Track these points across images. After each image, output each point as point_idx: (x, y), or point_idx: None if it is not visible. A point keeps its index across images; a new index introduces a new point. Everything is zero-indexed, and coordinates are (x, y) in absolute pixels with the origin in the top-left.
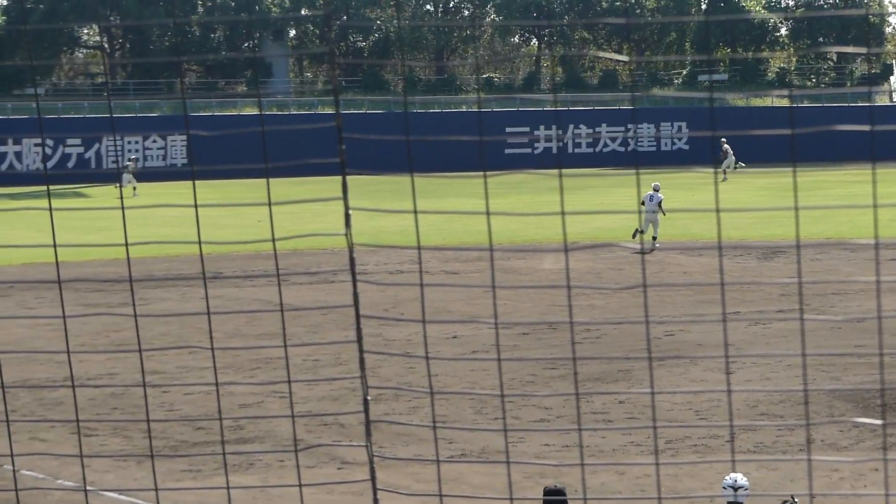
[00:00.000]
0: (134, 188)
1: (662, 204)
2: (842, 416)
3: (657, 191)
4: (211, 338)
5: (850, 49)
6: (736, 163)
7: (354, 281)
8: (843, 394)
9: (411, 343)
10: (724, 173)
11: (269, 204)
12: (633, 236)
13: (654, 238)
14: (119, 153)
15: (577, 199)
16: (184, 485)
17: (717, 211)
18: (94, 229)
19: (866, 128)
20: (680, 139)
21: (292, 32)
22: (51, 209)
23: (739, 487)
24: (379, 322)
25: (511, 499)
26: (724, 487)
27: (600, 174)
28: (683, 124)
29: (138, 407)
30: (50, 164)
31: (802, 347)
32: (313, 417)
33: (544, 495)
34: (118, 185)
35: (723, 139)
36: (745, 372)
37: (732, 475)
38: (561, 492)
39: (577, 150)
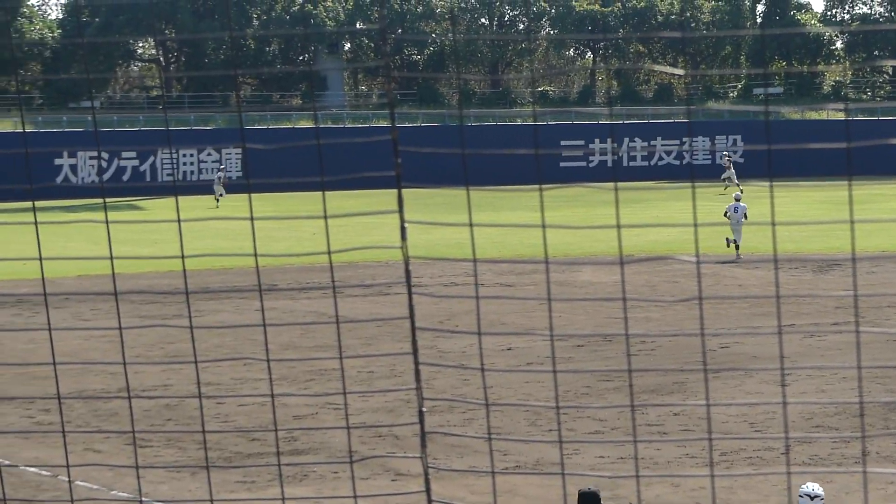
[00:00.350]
0: (217, 198)
1: (747, 213)
2: None
3: (738, 200)
4: (266, 349)
5: None
6: (737, 181)
7: (410, 293)
8: None
9: (466, 355)
10: (726, 186)
11: (325, 217)
12: (728, 246)
13: (737, 247)
14: (175, 166)
15: (632, 213)
16: (238, 496)
17: (773, 224)
18: (149, 242)
19: None
20: (735, 152)
21: (347, 46)
22: (107, 221)
23: (816, 497)
24: (434, 334)
25: None
26: (801, 496)
27: (655, 187)
28: (738, 137)
29: (193, 418)
30: (105, 177)
31: (858, 360)
32: (368, 429)
33: (579, 499)
34: (218, 196)
35: (725, 153)
36: (800, 384)
37: (809, 484)
38: (596, 496)
39: (631, 164)
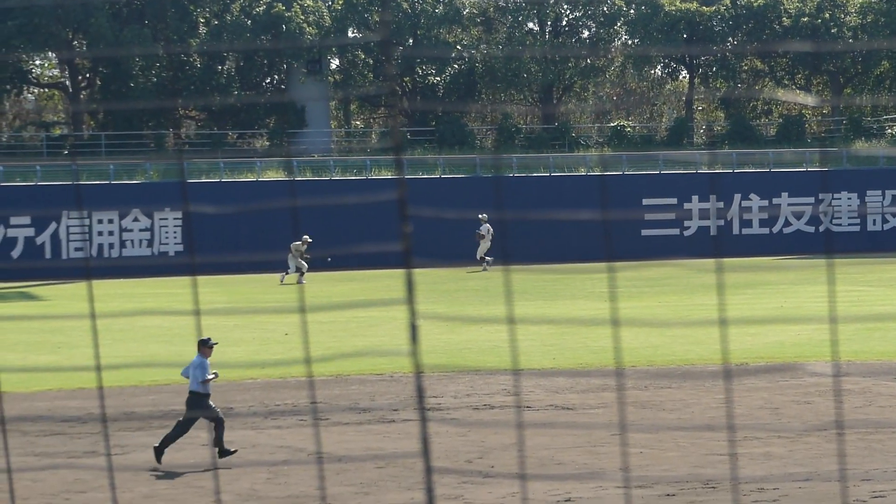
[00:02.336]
0: (301, 273)
1: None
2: None
3: None
4: (219, 502)
5: None
6: None
7: (423, 419)
8: None
9: None
10: None
11: (303, 310)
12: None
13: None
14: (86, 236)
15: (746, 302)
16: None
17: None
18: (50, 347)
19: None
20: (895, 215)
21: (335, 63)
22: None
23: None
24: (459, 478)
25: None
26: None
27: (779, 265)
28: None
29: None
30: None
31: None
32: None
33: None
34: (284, 273)
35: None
36: None
37: None
38: None
39: (745, 231)
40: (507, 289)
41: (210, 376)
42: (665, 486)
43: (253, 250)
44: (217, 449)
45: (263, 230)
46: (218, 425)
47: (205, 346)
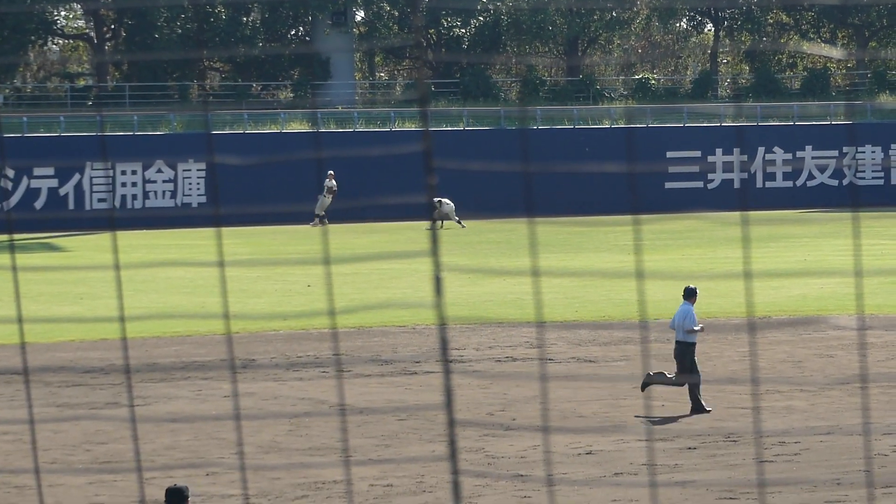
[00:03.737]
0: (460, 223)
1: None
2: None
3: None
4: (240, 452)
5: None
6: None
7: (447, 372)
8: None
9: (527, 462)
10: None
11: (327, 262)
12: None
13: None
14: (110, 187)
15: (769, 255)
16: None
17: None
18: (73, 297)
19: None
20: None
21: (360, 15)
22: (14, 268)
23: None
24: (481, 431)
25: None
26: None
27: (803, 218)
28: None
29: None
30: (10, 204)
31: None
32: None
33: (166, 496)
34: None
35: None
36: None
37: None
38: (181, 491)
39: (769, 184)
40: (531, 241)
41: (697, 328)
42: (686, 439)
43: (277, 202)
44: (693, 404)
45: (287, 182)
46: (693, 387)
47: (692, 295)
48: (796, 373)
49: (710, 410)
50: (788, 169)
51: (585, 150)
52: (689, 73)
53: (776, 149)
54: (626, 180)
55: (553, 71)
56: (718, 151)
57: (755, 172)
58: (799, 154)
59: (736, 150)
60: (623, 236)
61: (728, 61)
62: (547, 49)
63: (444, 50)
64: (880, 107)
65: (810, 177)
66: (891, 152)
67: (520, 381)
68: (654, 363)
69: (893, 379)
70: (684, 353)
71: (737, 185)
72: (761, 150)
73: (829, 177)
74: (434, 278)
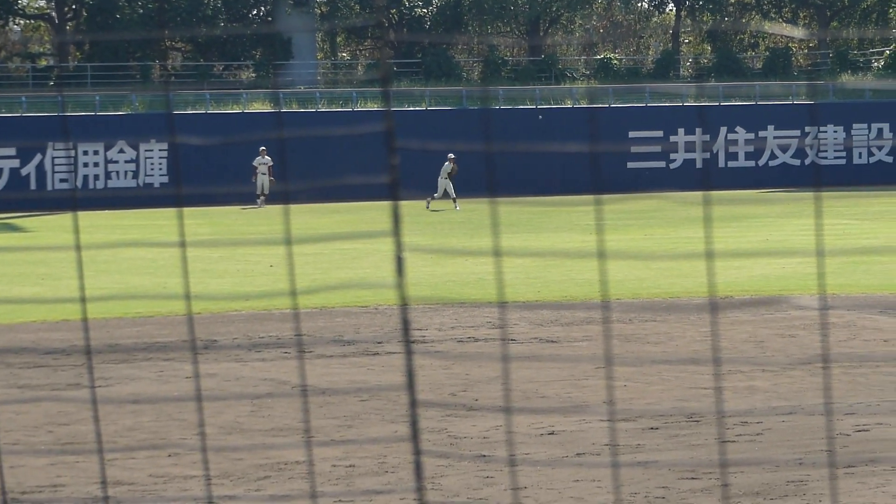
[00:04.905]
0: (454, 202)
1: None
2: None
3: None
4: (202, 434)
5: None
6: None
7: (409, 352)
8: None
9: (489, 442)
10: None
11: (288, 242)
12: None
13: None
14: (72, 167)
15: (731, 235)
16: None
17: None
18: (34, 278)
19: None
20: (880, 148)
21: None
22: None
23: None
24: (443, 411)
25: None
26: None
27: (764, 198)
28: (886, 127)
29: None
30: None
31: None
32: None
33: None
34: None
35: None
36: None
37: None
38: None
39: (731, 164)
40: (493, 221)
41: None
42: (649, 419)
43: (239, 182)
44: None
45: (249, 162)
46: None
47: None
48: (758, 353)
49: None
50: (750, 149)
51: (539, 117)
52: (650, 52)
53: (738, 128)
54: (588, 160)
55: (515, 51)
56: (680, 131)
57: (717, 152)
58: (761, 134)
59: (698, 130)
60: (585, 216)
61: (690, 41)
62: (509, 29)
63: (406, 30)
64: (842, 87)
65: (772, 156)
66: (853, 132)
67: (482, 361)
68: (616, 343)
69: (855, 359)
70: None
71: (699, 164)
72: (723, 129)
73: (791, 156)
74: (396, 258)
